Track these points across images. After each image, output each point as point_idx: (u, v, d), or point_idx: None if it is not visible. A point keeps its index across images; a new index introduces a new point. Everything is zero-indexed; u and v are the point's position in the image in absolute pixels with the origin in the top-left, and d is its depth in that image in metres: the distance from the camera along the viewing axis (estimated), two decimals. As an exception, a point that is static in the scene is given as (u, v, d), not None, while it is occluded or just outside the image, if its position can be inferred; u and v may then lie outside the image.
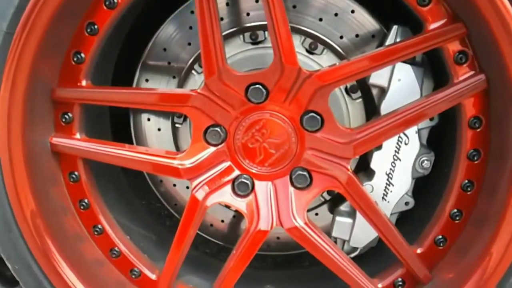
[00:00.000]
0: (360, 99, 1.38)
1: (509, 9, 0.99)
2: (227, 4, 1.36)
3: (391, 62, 1.15)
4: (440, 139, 1.34)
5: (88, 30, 1.21)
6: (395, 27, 1.24)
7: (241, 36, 1.38)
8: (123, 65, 1.50)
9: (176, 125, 1.47)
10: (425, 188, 1.40)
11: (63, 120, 1.29)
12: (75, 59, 1.23)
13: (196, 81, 1.41)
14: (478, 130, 1.18)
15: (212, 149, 1.28)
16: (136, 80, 1.46)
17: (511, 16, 0.99)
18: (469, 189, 1.23)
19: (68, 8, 1.15)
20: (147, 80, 1.45)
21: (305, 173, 1.27)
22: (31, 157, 1.22)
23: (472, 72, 1.13)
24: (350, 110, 1.39)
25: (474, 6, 1.01)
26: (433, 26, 1.09)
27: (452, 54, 1.12)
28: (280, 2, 1.10)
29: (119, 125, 1.55)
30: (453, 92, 1.14)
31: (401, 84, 1.25)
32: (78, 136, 1.30)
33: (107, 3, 1.18)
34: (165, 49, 1.42)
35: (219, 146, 1.28)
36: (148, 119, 1.50)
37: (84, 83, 1.25)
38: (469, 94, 1.14)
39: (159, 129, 1.50)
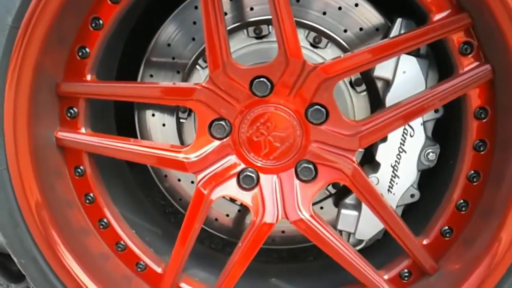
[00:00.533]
0: (365, 92, 1.38)
1: (514, -2, 0.99)
2: (231, -2, 1.36)
3: (395, 54, 1.15)
4: (445, 131, 1.34)
5: (93, 25, 1.21)
6: (399, 20, 1.23)
7: (245, 31, 1.37)
8: (127, 61, 1.50)
9: (181, 120, 1.48)
10: (431, 180, 1.40)
11: (68, 114, 1.29)
12: (80, 53, 1.24)
13: (201, 76, 1.41)
14: (484, 120, 1.18)
15: (217, 142, 1.28)
16: (140, 75, 1.46)
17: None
18: (475, 179, 1.23)
19: (73, 2, 1.15)
20: (151, 76, 1.46)
21: (310, 165, 1.27)
22: (36, 151, 1.23)
23: (477, 63, 1.13)
24: (355, 104, 1.39)
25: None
26: (437, 17, 1.09)
27: (457, 45, 1.12)
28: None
29: (123, 122, 1.55)
30: (458, 83, 1.14)
31: (406, 76, 1.25)
32: (83, 130, 1.30)
33: (111, -3, 1.19)
34: (169, 45, 1.43)
35: (224, 140, 1.28)
36: (153, 115, 1.50)
37: (89, 77, 1.26)
38: (474, 84, 1.14)
39: (163, 125, 1.50)
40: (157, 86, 1.28)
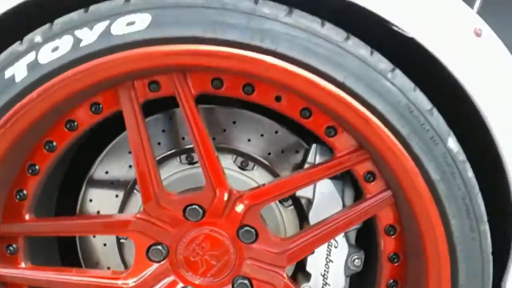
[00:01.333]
0: (292, 207, 1.50)
1: (394, 140, 1.13)
2: (163, 130, 1.47)
3: (310, 183, 1.29)
4: (367, 238, 1.46)
5: (30, 171, 1.28)
6: (314, 145, 1.37)
7: (178, 158, 1.48)
8: (68, 186, 1.57)
9: (121, 240, 1.53)
10: (362, 282, 1.50)
11: (8, 252, 1.33)
12: (17, 196, 1.29)
13: (138, 200, 1.48)
14: (393, 236, 1.30)
15: (155, 265, 1.35)
16: (80, 200, 1.52)
17: (395, 144, 1.13)
18: (394, 287, 1.34)
19: (12, 151, 1.21)
20: (91, 200, 1.52)
21: (245, 281, 1.35)
22: (-25, 291, 1.25)
23: (381, 189, 1.26)
24: (284, 217, 1.49)
25: (367, 139, 1.15)
26: (340, 153, 1.23)
27: (362, 174, 1.26)
28: (205, 136, 1.22)
29: (67, 244, 1.59)
30: (367, 206, 1.27)
31: (324, 196, 1.38)
32: (23, 265, 1.34)
33: (46, 147, 1.26)
34: (107, 172, 1.51)
35: (162, 262, 1.35)
36: (94, 236, 1.55)
37: (27, 217, 1.31)
38: (381, 206, 1.27)
39: (105, 245, 1.55)
40: (94, 220, 1.36)
